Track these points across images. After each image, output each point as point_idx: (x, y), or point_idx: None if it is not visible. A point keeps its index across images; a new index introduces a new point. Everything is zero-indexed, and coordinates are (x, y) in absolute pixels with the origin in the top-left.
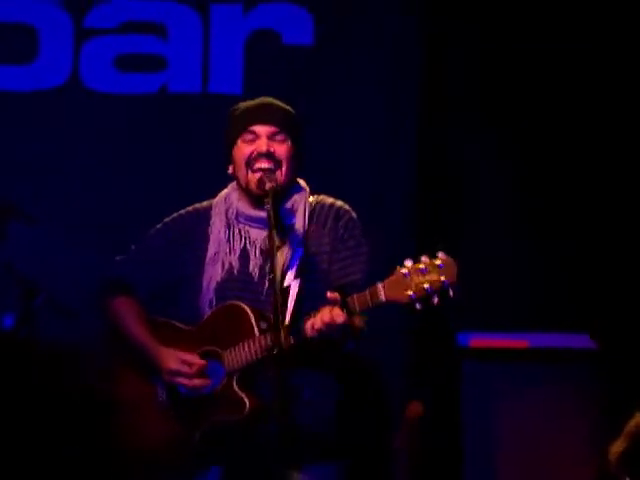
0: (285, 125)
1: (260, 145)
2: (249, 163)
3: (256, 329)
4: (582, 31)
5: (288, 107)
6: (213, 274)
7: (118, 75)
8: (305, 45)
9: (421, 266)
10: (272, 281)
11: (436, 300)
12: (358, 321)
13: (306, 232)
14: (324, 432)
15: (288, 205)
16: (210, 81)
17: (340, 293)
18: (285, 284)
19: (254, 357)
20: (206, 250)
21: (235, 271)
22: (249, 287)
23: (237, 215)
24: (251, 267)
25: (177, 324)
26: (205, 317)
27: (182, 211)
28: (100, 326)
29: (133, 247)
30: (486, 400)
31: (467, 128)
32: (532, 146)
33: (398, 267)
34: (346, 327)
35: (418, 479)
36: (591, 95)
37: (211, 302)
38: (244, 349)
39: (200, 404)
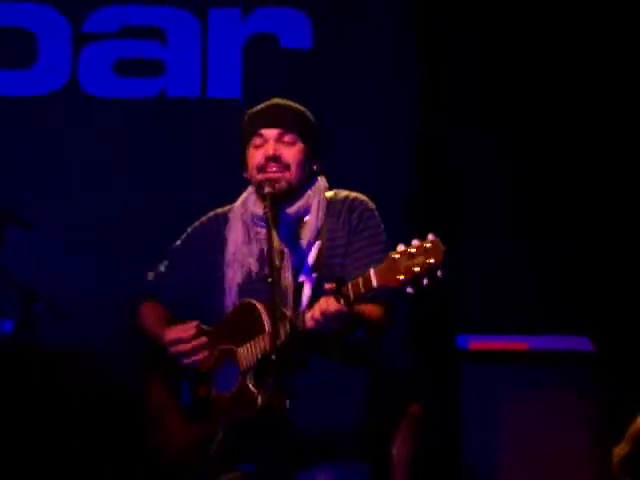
0: (293, 125)
1: (267, 149)
2: (260, 168)
3: (267, 325)
4: (582, 33)
5: (297, 106)
6: (233, 276)
7: (117, 80)
8: (304, 49)
9: (412, 250)
10: (271, 284)
11: (425, 282)
12: (369, 310)
13: (321, 228)
14: (337, 433)
15: (302, 202)
16: (209, 85)
17: (337, 283)
18: (300, 280)
19: (264, 352)
20: (224, 258)
21: (253, 273)
22: (267, 288)
23: (253, 218)
24: (268, 269)
25: (199, 324)
26: (225, 316)
27: (203, 218)
28: (97, 330)
29: (162, 267)
30: (486, 402)
31: (467, 130)
32: (532, 148)
33: (390, 252)
34: (343, 316)
35: None
36: (591, 97)
37: (234, 304)
38: (255, 345)
39: (220, 403)
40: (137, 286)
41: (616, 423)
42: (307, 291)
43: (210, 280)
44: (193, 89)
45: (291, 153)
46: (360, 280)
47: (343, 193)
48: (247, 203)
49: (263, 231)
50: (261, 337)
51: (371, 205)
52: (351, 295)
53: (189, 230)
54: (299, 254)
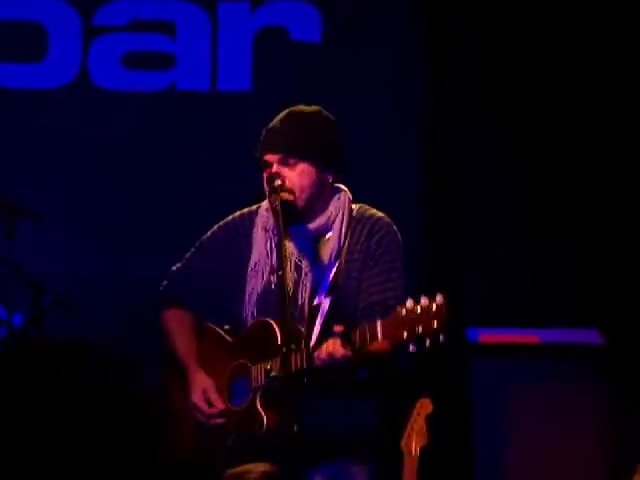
0: (292, 148)
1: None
2: (269, 193)
3: (281, 345)
4: (588, 31)
5: (300, 124)
6: (254, 286)
7: (127, 73)
8: (313, 42)
9: (417, 309)
10: (281, 303)
11: (428, 344)
12: (375, 347)
13: (342, 248)
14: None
15: (324, 218)
16: (218, 79)
17: (345, 327)
18: (315, 302)
19: (275, 376)
20: (249, 259)
21: (273, 285)
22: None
23: (274, 229)
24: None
25: (222, 333)
26: (245, 329)
27: (229, 218)
28: (107, 323)
29: (187, 256)
30: (496, 395)
31: (474, 127)
32: (541, 143)
33: (398, 307)
34: (349, 360)
35: (428, 476)
36: (597, 95)
37: (253, 314)
38: (267, 367)
39: (232, 416)
40: (162, 278)
41: (627, 415)
42: (322, 313)
43: (231, 287)
44: (203, 82)
45: (294, 176)
46: (367, 329)
47: (367, 212)
48: (269, 212)
49: (284, 243)
50: (273, 361)
51: (392, 229)
52: (357, 343)
53: (215, 228)
54: (318, 272)
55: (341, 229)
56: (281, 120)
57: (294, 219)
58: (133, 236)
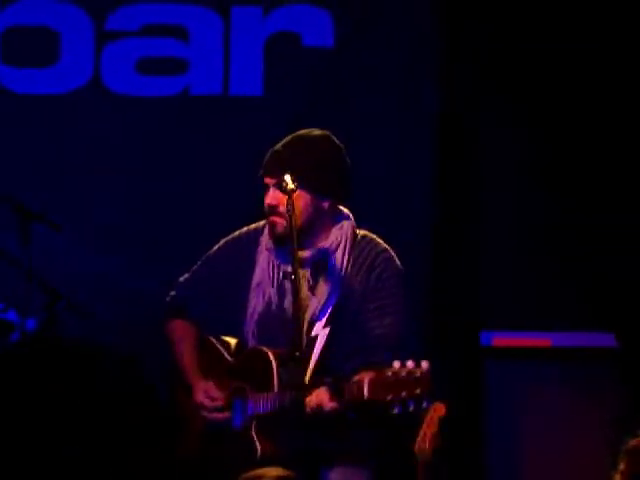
0: (287, 173)
1: (267, 198)
2: (266, 214)
3: (276, 383)
4: (600, 31)
5: (301, 150)
6: (256, 305)
7: (140, 78)
8: (325, 47)
9: (403, 374)
10: (295, 310)
11: (411, 408)
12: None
13: (342, 278)
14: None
15: (326, 244)
16: (231, 83)
17: (334, 379)
18: (313, 333)
19: (269, 410)
20: (252, 277)
21: (273, 305)
22: (285, 323)
23: (275, 250)
24: (286, 303)
25: (222, 351)
26: (245, 351)
27: (236, 233)
28: (121, 329)
29: (194, 268)
30: (509, 398)
31: (485, 127)
32: (556, 143)
33: (385, 368)
34: (337, 411)
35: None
36: (614, 108)
37: (253, 333)
38: (263, 400)
39: (229, 437)
40: (168, 288)
41: None
42: (320, 344)
43: (234, 302)
44: (215, 87)
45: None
46: (355, 387)
47: (370, 242)
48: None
49: (284, 264)
50: (269, 395)
51: (393, 264)
52: (345, 396)
53: (222, 242)
54: (317, 300)
55: (342, 259)
56: (284, 144)
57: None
58: (145, 241)
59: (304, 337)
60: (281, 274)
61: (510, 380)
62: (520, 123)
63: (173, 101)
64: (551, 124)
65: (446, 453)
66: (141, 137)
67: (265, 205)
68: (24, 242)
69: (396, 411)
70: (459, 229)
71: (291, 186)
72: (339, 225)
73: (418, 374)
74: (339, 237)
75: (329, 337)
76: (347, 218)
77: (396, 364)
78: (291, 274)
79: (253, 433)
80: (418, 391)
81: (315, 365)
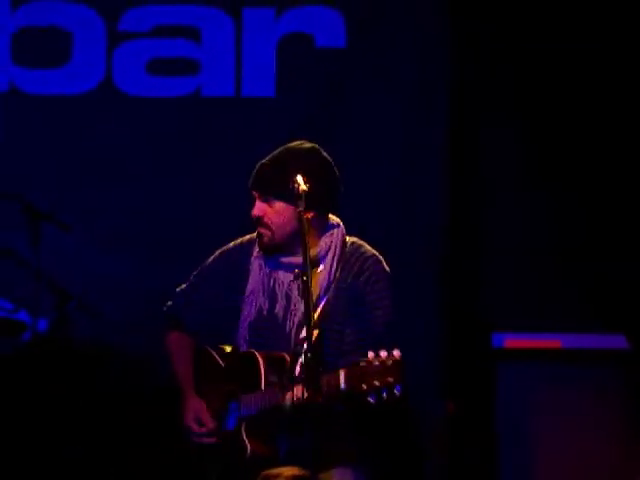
0: (269, 187)
1: (253, 210)
2: (254, 224)
3: (263, 383)
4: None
5: (285, 164)
6: (248, 312)
7: (151, 79)
8: (338, 48)
9: (376, 363)
10: (306, 308)
11: (385, 396)
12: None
13: (331, 282)
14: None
15: (314, 251)
16: (243, 84)
17: (311, 373)
18: (302, 334)
19: (259, 409)
20: (245, 286)
21: (265, 311)
22: (276, 328)
23: (265, 260)
24: (277, 308)
25: (216, 357)
26: (237, 355)
27: (230, 245)
28: (132, 330)
29: (191, 279)
30: (520, 400)
31: (499, 132)
32: (564, 144)
33: (360, 360)
34: (320, 403)
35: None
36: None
37: (245, 339)
38: (252, 401)
39: (223, 438)
40: (168, 297)
41: None
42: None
43: (229, 311)
44: (227, 88)
45: (272, 213)
46: (332, 379)
47: (359, 249)
48: None
49: (276, 271)
50: (258, 395)
51: (381, 267)
52: (324, 389)
53: (217, 253)
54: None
55: (332, 264)
56: (271, 158)
57: (280, 252)
58: (155, 242)
59: (313, 335)
60: (272, 280)
61: (521, 381)
62: (524, 123)
63: (185, 102)
64: (557, 124)
65: (458, 453)
66: (152, 138)
67: (252, 216)
68: (34, 242)
69: (372, 400)
70: (471, 231)
71: (303, 187)
72: (329, 233)
73: (389, 363)
74: (329, 243)
75: (318, 339)
76: (337, 226)
77: (370, 355)
78: (302, 274)
79: (243, 434)
80: (390, 379)
81: (303, 366)
